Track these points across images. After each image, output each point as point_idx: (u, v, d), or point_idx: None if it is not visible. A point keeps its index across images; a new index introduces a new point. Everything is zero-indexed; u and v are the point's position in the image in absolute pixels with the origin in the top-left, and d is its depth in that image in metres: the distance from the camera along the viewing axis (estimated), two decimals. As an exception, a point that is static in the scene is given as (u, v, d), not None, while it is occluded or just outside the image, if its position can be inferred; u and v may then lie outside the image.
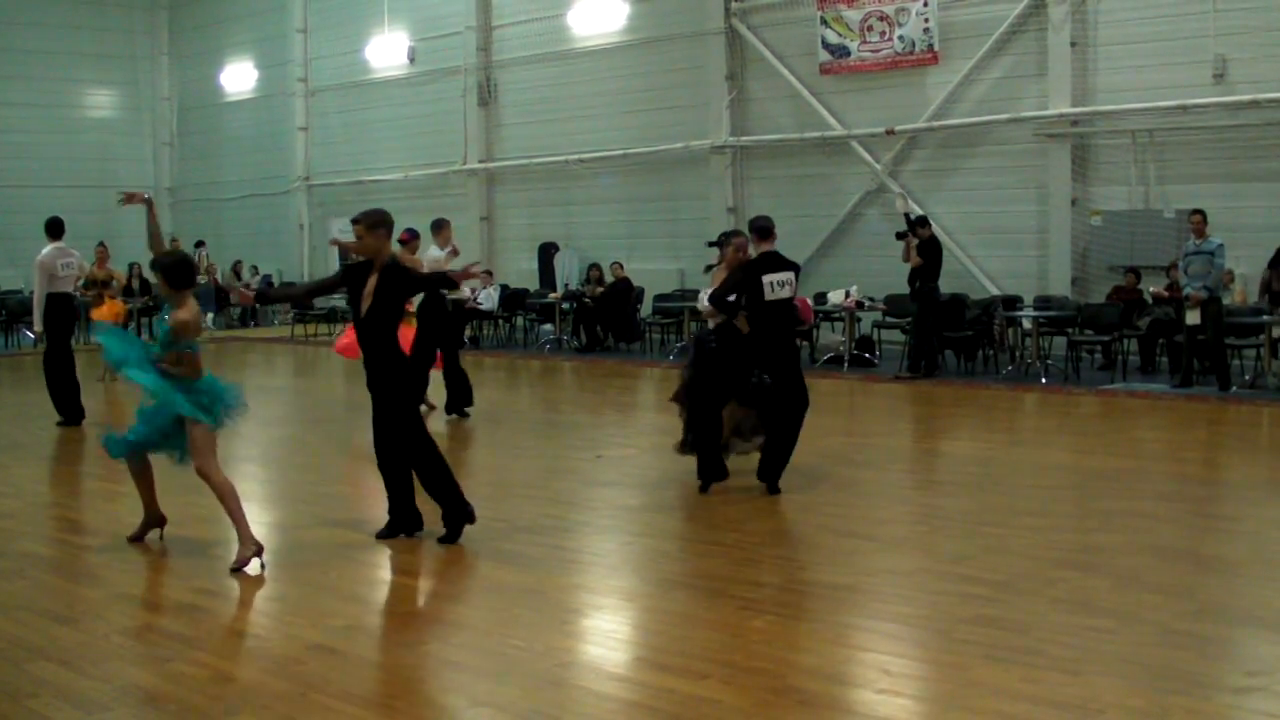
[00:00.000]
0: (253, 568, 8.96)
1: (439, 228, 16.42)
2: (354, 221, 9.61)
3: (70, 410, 16.32)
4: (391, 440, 9.68)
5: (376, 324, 9.51)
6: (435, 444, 9.79)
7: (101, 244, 22.59)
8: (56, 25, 36.84)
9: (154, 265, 9.61)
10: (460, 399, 16.42)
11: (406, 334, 16.42)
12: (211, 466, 9.17)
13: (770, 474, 11.32)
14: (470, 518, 9.71)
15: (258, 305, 19.79)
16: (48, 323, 16.32)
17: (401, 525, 9.86)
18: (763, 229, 11.36)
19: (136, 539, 9.84)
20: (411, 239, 16.35)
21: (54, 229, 16.59)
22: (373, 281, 9.45)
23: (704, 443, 11.39)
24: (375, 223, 9.56)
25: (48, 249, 16.37)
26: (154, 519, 9.85)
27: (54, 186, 35.14)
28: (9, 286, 32.59)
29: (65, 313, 16.41)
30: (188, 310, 9.17)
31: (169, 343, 9.21)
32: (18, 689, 6.67)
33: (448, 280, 10.04)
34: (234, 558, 9.01)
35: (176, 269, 9.28)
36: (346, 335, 16.89)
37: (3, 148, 35.54)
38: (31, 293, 17.85)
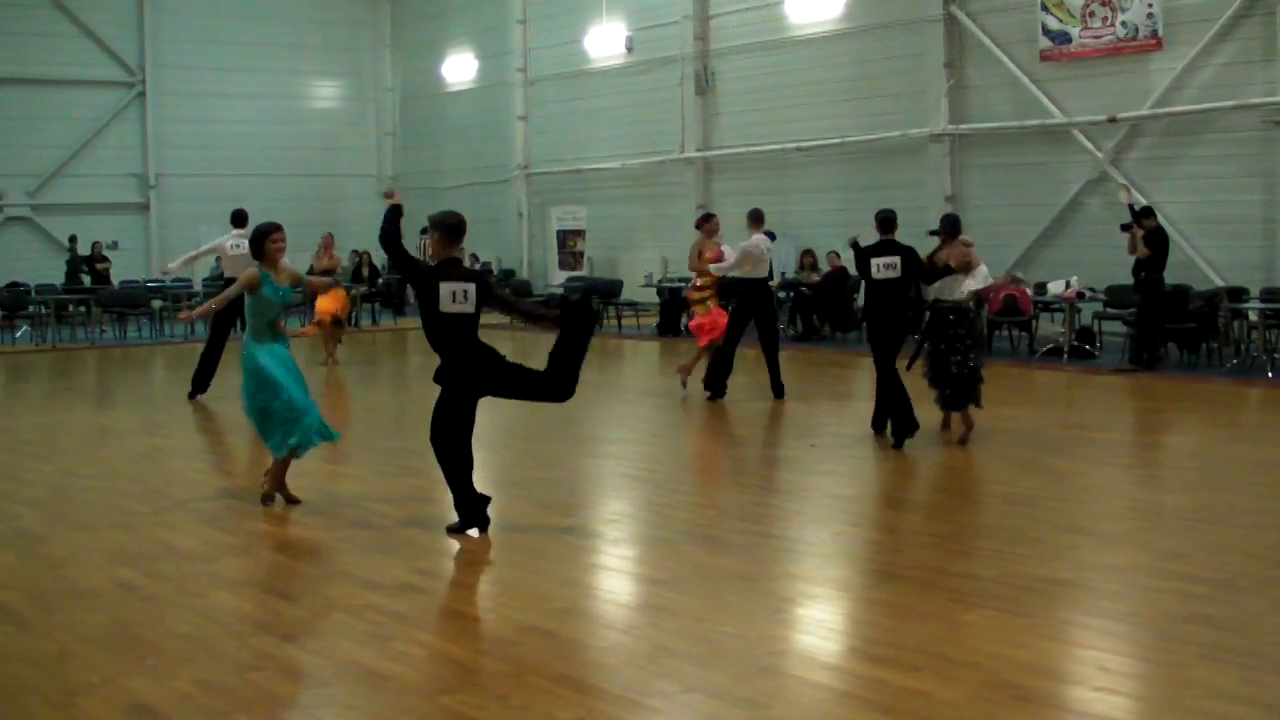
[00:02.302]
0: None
1: (708, 220, 17.51)
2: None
3: (200, 381, 17.30)
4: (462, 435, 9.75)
5: None
6: None
7: (328, 233, 23.13)
8: (282, 19, 37.71)
9: None
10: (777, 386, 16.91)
11: (720, 320, 16.75)
12: None
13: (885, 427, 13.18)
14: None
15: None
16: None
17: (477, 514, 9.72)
18: (879, 222, 13.36)
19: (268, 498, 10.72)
20: (705, 222, 17.60)
21: (237, 219, 17.53)
22: None
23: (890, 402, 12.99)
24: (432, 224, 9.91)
25: (228, 235, 17.54)
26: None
27: (280, 175, 36.12)
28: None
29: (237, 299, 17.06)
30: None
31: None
32: (241, 662, 6.92)
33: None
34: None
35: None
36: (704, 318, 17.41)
37: (230, 138, 36.43)
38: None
